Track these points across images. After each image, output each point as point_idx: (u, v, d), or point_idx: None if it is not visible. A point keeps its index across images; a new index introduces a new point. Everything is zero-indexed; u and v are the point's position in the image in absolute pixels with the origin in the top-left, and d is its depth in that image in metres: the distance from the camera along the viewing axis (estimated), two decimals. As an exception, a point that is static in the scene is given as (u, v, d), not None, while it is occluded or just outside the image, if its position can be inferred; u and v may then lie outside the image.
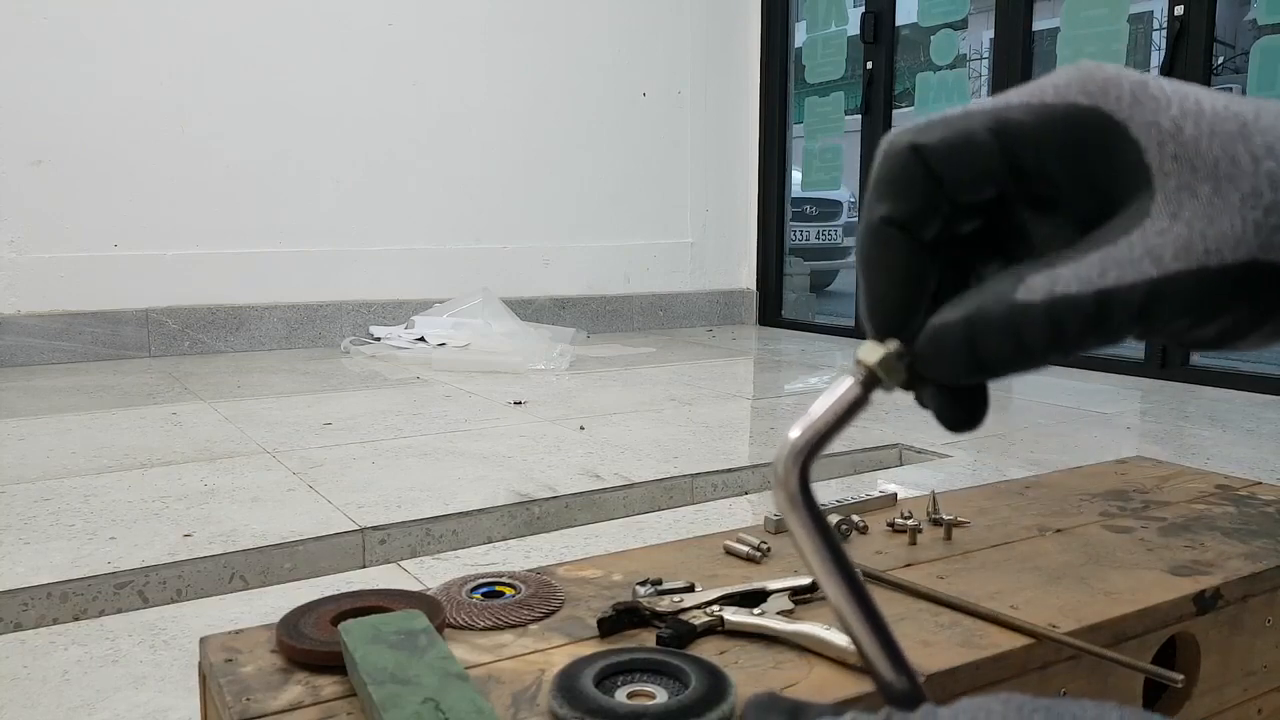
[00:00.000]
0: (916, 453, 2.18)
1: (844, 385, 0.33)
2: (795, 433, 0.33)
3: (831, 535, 0.34)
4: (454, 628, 0.57)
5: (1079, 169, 0.30)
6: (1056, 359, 0.29)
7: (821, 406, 0.33)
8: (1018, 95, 0.31)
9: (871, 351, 0.32)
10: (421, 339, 3.49)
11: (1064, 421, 2.49)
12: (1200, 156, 0.28)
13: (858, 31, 4.24)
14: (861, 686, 0.50)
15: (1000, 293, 0.29)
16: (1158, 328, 0.29)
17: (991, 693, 0.30)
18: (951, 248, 0.33)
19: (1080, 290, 0.28)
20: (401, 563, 1.54)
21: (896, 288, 0.32)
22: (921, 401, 0.34)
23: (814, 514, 0.33)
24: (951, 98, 3.95)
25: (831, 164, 4.57)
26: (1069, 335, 0.29)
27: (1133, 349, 3.42)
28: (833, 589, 0.34)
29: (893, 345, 0.32)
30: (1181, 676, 0.55)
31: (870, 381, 0.32)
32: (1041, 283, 0.28)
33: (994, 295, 0.29)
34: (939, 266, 0.32)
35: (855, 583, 0.34)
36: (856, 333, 4.33)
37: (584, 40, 4.23)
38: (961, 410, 0.33)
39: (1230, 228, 0.27)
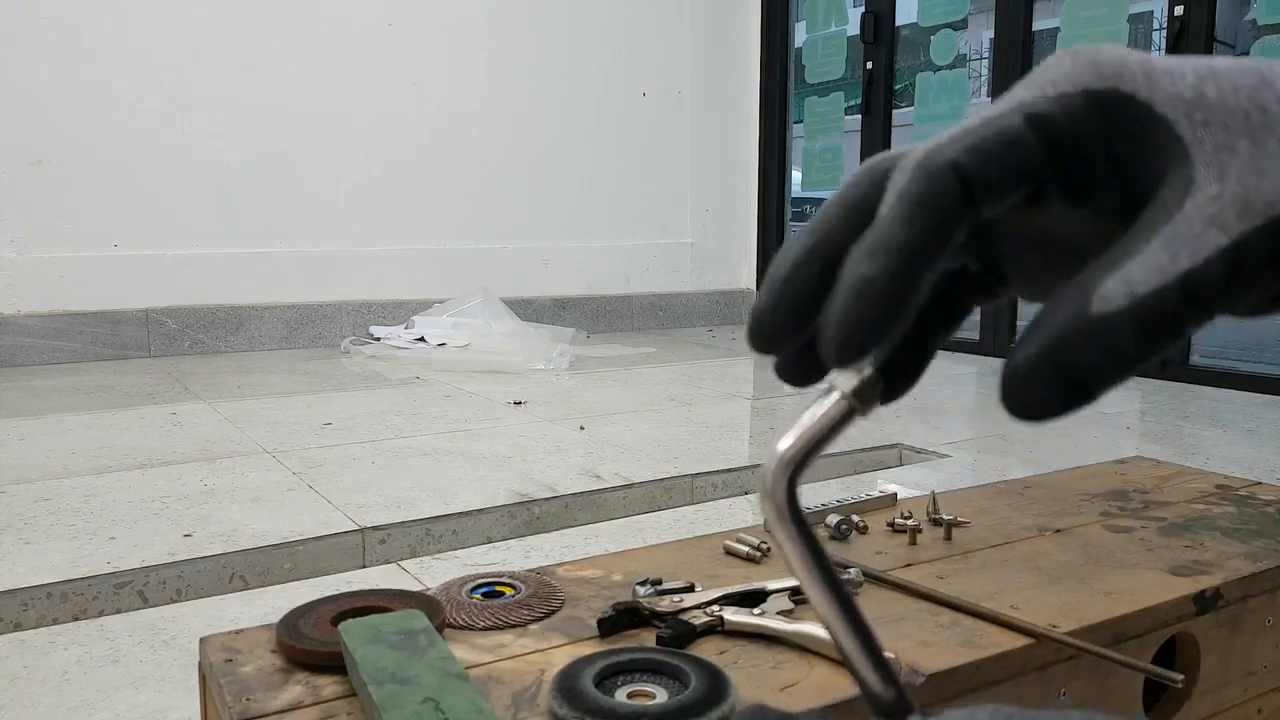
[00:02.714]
0: (916, 453, 2.18)
1: (831, 398, 0.32)
2: (784, 444, 0.32)
3: (818, 547, 0.33)
4: (454, 628, 0.57)
5: (1112, 153, 0.29)
6: (1150, 360, 0.27)
7: (811, 418, 0.32)
8: (1029, 91, 0.29)
9: (846, 379, 0.32)
10: (421, 339, 3.49)
11: (1064, 421, 2.49)
12: (1230, 114, 0.27)
13: (858, 31, 4.24)
14: (861, 686, 0.50)
15: (1074, 311, 0.27)
16: (1243, 297, 0.27)
17: (977, 703, 0.29)
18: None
19: (1161, 283, 0.26)
20: (401, 563, 1.54)
21: (898, 314, 0.29)
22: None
23: (800, 526, 0.33)
24: (951, 98, 3.95)
25: (831, 164, 4.57)
26: (1162, 333, 0.26)
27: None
28: (819, 600, 0.34)
29: (867, 371, 0.32)
30: (1181, 676, 0.55)
31: (851, 404, 0.32)
32: (1117, 288, 0.26)
33: (1068, 315, 0.27)
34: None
35: (842, 594, 0.34)
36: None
37: (584, 40, 4.23)
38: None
39: None
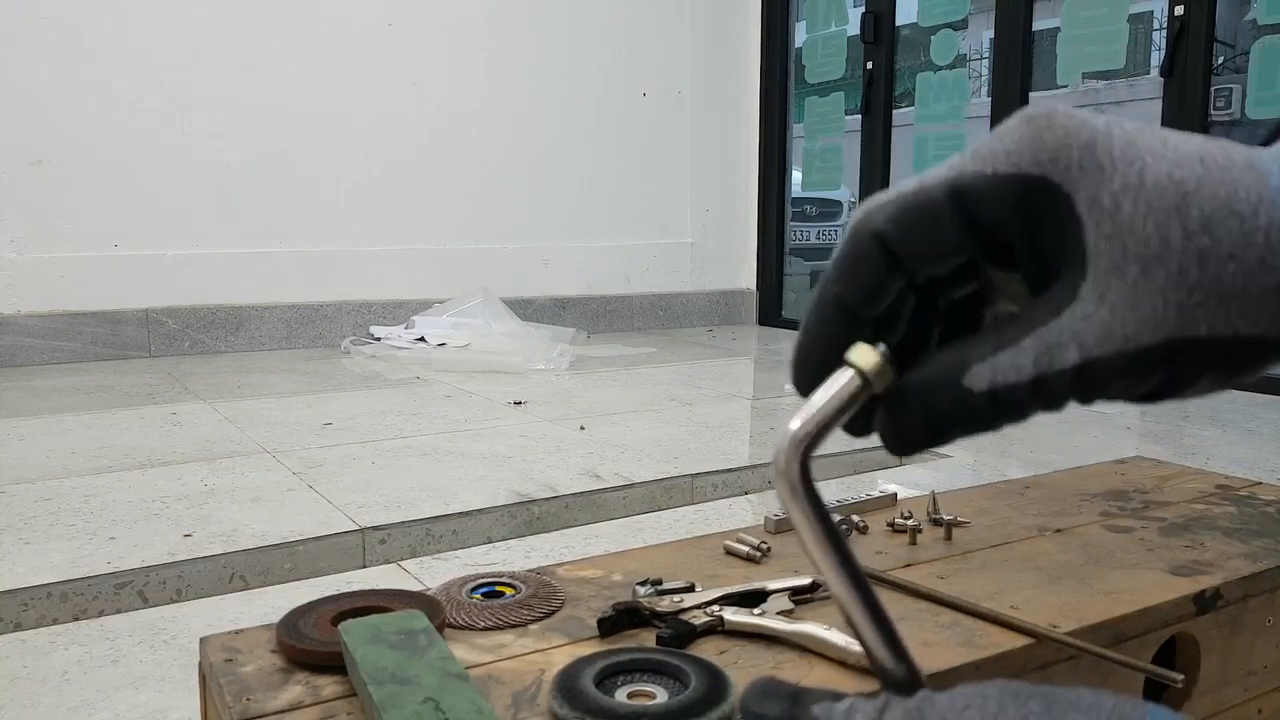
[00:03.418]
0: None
1: (844, 377, 0.33)
2: (796, 423, 0.33)
3: (832, 525, 0.34)
4: (454, 628, 0.57)
5: (1031, 237, 0.31)
6: (1010, 424, 0.32)
7: (823, 397, 0.33)
8: (973, 162, 0.32)
9: (861, 354, 0.33)
10: (421, 339, 3.49)
11: (1064, 421, 2.49)
12: (1133, 236, 0.29)
13: (858, 31, 4.24)
14: (862, 686, 0.50)
15: (947, 377, 0.32)
16: (1092, 398, 0.31)
17: (988, 680, 0.30)
18: (930, 303, 0.36)
19: (1017, 380, 0.31)
20: (401, 563, 1.55)
21: (826, 355, 0.34)
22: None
23: (815, 504, 0.33)
24: (951, 98, 3.95)
25: (831, 164, 4.57)
26: (1012, 412, 0.32)
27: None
28: (834, 578, 0.34)
29: (882, 348, 0.33)
30: (1181, 676, 0.55)
31: (865, 380, 0.33)
32: (982, 373, 0.31)
33: (941, 380, 0.32)
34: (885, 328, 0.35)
35: (856, 572, 0.34)
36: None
37: (584, 40, 4.23)
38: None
39: (1151, 310, 0.29)
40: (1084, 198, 0.30)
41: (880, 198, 0.33)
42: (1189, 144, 0.30)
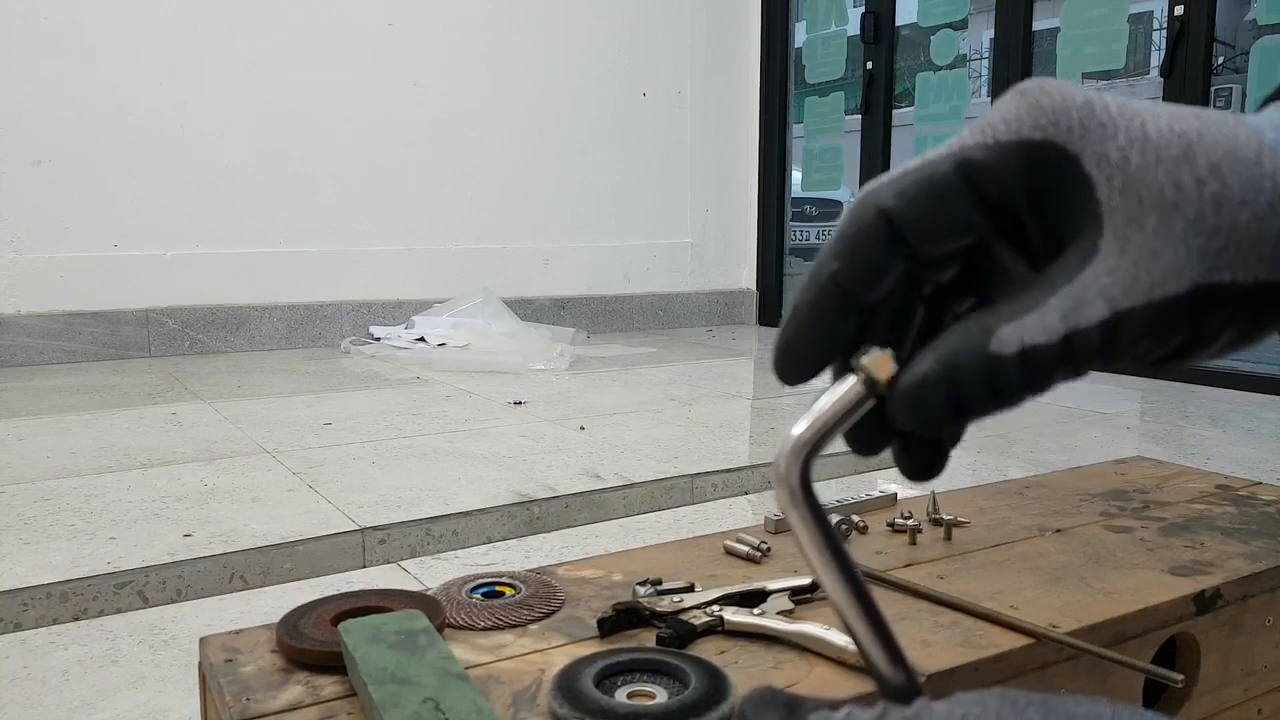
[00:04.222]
0: (916, 453, 2.17)
1: (848, 383, 0.33)
2: (798, 429, 0.33)
3: (832, 531, 0.34)
4: (454, 628, 0.57)
5: (1039, 203, 0.31)
6: (1023, 401, 0.31)
7: (825, 403, 0.33)
8: (971, 136, 0.31)
9: (870, 358, 0.32)
10: (421, 339, 3.49)
11: (1064, 421, 2.49)
12: (1146, 186, 0.29)
13: (858, 31, 4.24)
14: (861, 686, 0.50)
15: (972, 345, 0.30)
16: (1120, 357, 0.30)
17: (986, 687, 0.30)
18: (927, 291, 0.34)
19: (1047, 340, 0.29)
20: (401, 563, 1.55)
21: (816, 340, 0.33)
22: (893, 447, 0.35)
23: (815, 510, 0.33)
24: (951, 98, 3.95)
25: (831, 164, 4.57)
26: (1041, 377, 0.30)
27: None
28: (832, 585, 0.34)
29: (890, 351, 0.32)
30: (1181, 676, 0.55)
31: (871, 385, 0.32)
32: (1012, 335, 0.30)
33: (967, 347, 0.30)
34: (874, 319, 0.33)
35: (855, 579, 0.34)
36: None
37: (584, 40, 4.23)
38: (925, 458, 0.34)
39: (1174, 258, 0.29)
40: (1091, 155, 0.29)
41: (885, 176, 0.32)
42: (1180, 107, 0.30)
